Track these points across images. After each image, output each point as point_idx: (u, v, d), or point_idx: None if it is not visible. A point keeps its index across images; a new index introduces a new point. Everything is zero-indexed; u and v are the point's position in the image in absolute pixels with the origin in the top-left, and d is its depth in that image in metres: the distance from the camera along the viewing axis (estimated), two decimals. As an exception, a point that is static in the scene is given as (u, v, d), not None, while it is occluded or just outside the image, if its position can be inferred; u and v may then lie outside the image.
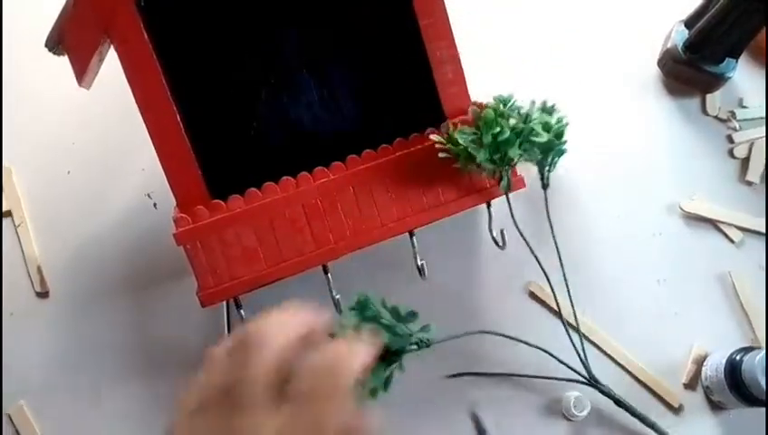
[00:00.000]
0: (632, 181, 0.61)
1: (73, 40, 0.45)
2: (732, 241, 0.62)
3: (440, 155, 0.49)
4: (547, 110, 0.52)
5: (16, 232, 0.59)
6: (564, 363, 0.55)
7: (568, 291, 0.55)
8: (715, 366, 0.56)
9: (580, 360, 0.55)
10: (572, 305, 0.56)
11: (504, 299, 0.59)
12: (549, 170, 0.54)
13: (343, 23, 0.49)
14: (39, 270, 0.58)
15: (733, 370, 0.54)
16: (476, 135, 0.48)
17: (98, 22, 0.44)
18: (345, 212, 0.49)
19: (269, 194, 0.47)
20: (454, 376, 0.57)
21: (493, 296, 0.59)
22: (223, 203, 0.47)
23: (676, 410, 0.58)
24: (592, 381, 0.55)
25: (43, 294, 0.58)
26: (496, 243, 0.54)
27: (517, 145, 0.49)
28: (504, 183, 0.51)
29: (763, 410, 0.55)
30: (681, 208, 0.62)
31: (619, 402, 0.55)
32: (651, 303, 0.59)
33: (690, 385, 0.58)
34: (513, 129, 0.49)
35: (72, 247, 0.59)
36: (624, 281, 0.60)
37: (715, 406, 0.58)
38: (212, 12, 0.47)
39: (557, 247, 0.55)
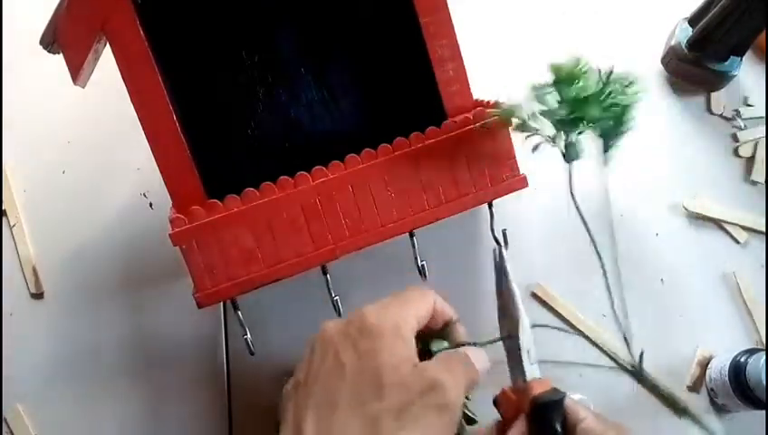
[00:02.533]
0: (635, 180, 0.60)
1: (68, 37, 0.45)
2: (737, 241, 0.61)
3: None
4: (621, 78, 0.50)
5: (11, 232, 0.58)
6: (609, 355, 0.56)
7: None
8: (719, 369, 0.55)
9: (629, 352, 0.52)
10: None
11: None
12: (611, 146, 0.50)
13: (343, 20, 0.48)
14: (34, 271, 0.58)
15: (737, 372, 0.53)
16: (549, 92, 0.48)
17: (93, 19, 0.44)
18: (344, 212, 0.48)
19: (267, 194, 0.47)
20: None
21: (494, 298, 0.59)
22: (220, 203, 0.46)
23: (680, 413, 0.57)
24: (640, 372, 0.52)
25: (37, 295, 0.58)
26: (498, 243, 0.53)
27: (598, 105, 0.48)
28: (572, 151, 0.49)
29: (769, 412, 0.54)
30: (685, 208, 0.61)
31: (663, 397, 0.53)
32: (654, 304, 0.58)
33: (694, 388, 0.57)
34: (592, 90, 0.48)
35: (68, 248, 0.58)
36: (626, 281, 0.59)
37: (720, 409, 0.57)
38: (209, 9, 0.46)
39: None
